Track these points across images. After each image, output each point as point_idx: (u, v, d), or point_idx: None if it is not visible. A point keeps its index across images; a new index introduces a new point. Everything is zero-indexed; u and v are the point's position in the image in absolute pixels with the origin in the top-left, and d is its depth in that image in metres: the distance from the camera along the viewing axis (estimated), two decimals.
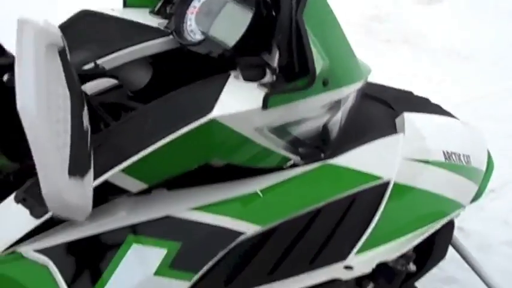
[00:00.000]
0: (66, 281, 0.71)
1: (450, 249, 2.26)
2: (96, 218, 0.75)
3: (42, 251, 0.72)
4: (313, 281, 0.83)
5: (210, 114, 0.72)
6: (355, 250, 0.89)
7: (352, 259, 0.88)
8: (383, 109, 1.21)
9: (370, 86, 1.29)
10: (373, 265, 0.87)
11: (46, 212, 0.71)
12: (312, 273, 0.84)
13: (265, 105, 0.75)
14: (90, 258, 0.74)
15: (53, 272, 0.72)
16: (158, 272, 0.74)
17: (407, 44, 3.71)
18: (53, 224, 0.73)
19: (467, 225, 2.23)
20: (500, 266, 2.05)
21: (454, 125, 1.32)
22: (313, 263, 0.85)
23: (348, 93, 0.90)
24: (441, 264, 2.25)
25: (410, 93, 1.38)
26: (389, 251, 0.91)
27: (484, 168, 1.39)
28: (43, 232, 0.73)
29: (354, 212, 0.89)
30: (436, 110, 1.33)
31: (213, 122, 0.72)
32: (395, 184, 0.97)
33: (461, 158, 1.22)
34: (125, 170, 0.71)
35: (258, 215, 0.80)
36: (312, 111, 0.85)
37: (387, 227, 0.93)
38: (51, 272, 0.72)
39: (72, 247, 0.74)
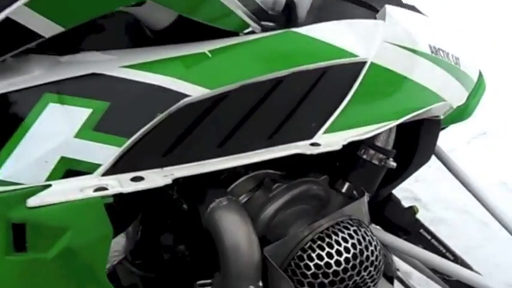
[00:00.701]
0: None
1: (437, 192, 2.18)
2: (4, 76, 0.61)
3: None
4: (272, 155, 0.70)
5: None
6: (322, 129, 0.76)
7: (319, 138, 0.75)
8: (362, 9, 1.08)
9: None
10: (344, 142, 0.74)
11: None
12: (271, 149, 0.72)
13: None
14: None
15: None
16: (80, 135, 0.60)
17: None
18: None
19: None
20: None
21: (443, 27, 1.19)
22: (272, 138, 0.72)
23: None
24: (428, 205, 2.17)
25: None
26: (362, 133, 0.79)
27: (474, 79, 1.27)
28: None
29: (322, 88, 0.76)
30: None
31: None
32: (373, 65, 0.84)
33: (450, 57, 1.09)
34: (31, 6, 0.57)
35: (205, 77, 0.67)
36: None
37: (361, 109, 0.81)
38: None
39: None
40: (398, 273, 1.36)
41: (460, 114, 1.29)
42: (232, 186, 0.82)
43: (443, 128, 1.31)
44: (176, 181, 0.77)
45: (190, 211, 0.76)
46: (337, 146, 0.73)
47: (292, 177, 0.85)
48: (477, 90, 1.33)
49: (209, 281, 0.76)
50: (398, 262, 1.28)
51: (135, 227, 0.73)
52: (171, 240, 0.84)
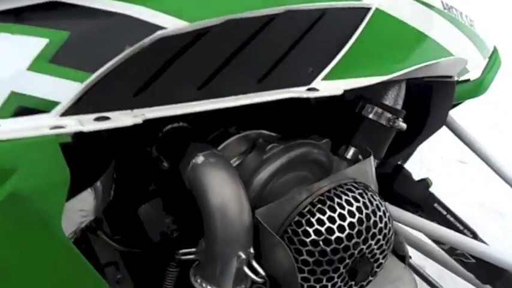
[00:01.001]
0: None
1: (451, 183, 2.06)
2: None
3: None
4: (262, 99, 0.61)
5: None
6: (321, 75, 0.67)
7: (318, 84, 0.66)
8: None
9: None
10: (346, 87, 0.65)
11: None
12: (262, 93, 0.62)
13: None
14: None
15: None
16: (34, 67, 0.52)
17: None
18: None
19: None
20: None
21: None
22: (263, 82, 0.63)
23: None
24: (442, 197, 2.06)
25: None
26: (366, 81, 0.69)
27: (490, 47, 1.17)
28: None
29: (319, 31, 0.67)
30: None
31: None
32: (378, 11, 0.75)
33: (463, 17, 1.00)
34: None
35: (184, 8, 0.58)
36: None
37: (364, 57, 0.71)
38: None
39: None
40: (411, 261, 1.26)
41: (475, 88, 1.20)
42: (221, 147, 0.72)
43: (458, 104, 1.22)
44: (155, 138, 0.68)
45: (170, 170, 0.66)
46: (339, 91, 0.64)
47: (289, 138, 0.75)
48: (492, 64, 1.24)
49: (193, 249, 0.67)
50: (411, 254, 1.18)
51: (106, 184, 0.63)
52: (154, 212, 0.75)
